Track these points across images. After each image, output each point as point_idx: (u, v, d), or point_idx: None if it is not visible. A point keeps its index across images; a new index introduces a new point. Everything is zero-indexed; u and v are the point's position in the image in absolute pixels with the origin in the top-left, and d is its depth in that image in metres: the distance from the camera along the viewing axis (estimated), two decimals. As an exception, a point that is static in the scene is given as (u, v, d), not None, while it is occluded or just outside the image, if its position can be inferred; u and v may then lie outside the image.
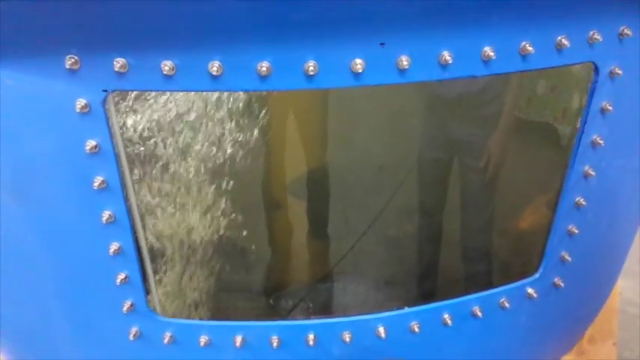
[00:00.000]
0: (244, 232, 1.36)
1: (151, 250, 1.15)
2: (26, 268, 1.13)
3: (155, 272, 1.15)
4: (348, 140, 1.53)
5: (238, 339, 1.11)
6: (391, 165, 1.54)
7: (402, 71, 0.88)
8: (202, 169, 1.24)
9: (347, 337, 1.13)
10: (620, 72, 1.01)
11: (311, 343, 1.12)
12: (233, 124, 1.24)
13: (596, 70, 1.01)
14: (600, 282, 1.46)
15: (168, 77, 0.87)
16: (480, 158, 1.42)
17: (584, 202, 1.15)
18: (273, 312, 1.42)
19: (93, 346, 1.21)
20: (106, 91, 0.89)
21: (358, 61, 0.86)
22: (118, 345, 1.16)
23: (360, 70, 0.86)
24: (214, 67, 0.85)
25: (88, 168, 0.95)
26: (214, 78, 0.87)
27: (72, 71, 0.87)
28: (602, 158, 1.13)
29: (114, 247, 1.03)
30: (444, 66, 0.89)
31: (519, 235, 1.43)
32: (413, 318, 1.15)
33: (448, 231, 1.49)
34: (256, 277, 1.46)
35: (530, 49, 0.91)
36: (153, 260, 1.15)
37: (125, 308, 1.09)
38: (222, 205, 1.29)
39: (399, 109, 1.45)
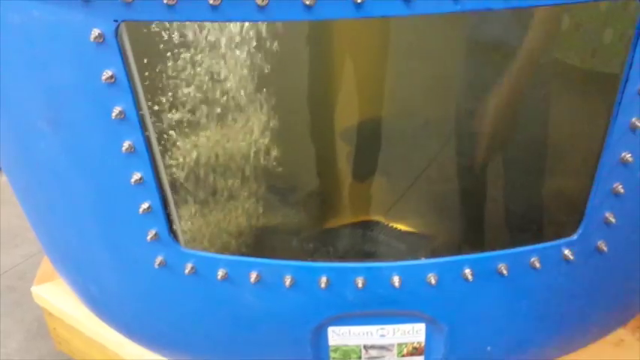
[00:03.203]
0: (278, 167, 1.35)
1: (173, 182, 1.19)
2: (65, 193, 1.21)
3: (177, 204, 1.19)
4: (396, 92, 1.48)
5: (253, 275, 1.13)
6: (436, 118, 1.47)
7: (407, 1, 0.82)
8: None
9: (360, 282, 1.11)
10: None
11: (323, 285, 1.12)
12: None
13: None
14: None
15: (170, 7, 0.87)
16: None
17: (630, 159, 1.03)
18: (294, 252, 1.43)
19: (127, 273, 1.29)
20: (116, 21, 0.91)
21: (357, -9, 0.81)
22: (147, 273, 1.22)
23: (361, 0, 0.81)
24: (213, -4, 0.83)
25: (107, 98, 0.99)
26: (215, 8, 0.85)
27: (85, 1, 0.90)
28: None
29: (135, 176, 1.07)
30: (457, -4, 0.82)
31: (560, 193, 1.31)
32: (430, 270, 1.10)
33: (488, 185, 1.40)
34: (283, 216, 1.47)
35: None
36: (175, 192, 1.19)
37: (149, 237, 1.15)
38: (255, 136, 1.29)
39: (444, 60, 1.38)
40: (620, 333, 1.44)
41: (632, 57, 0.93)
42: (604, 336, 1.41)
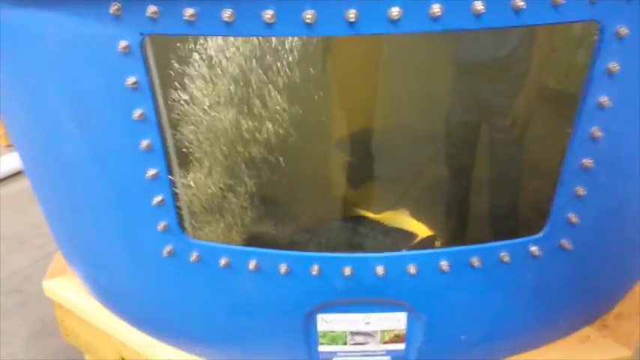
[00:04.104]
0: (281, 164, 1.48)
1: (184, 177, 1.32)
2: (87, 188, 1.34)
3: (187, 196, 1.32)
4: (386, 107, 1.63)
5: (252, 263, 1.26)
6: (422, 130, 1.61)
7: (393, 22, 0.96)
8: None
9: (347, 271, 1.24)
10: (626, 32, 1.02)
11: (314, 273, 1.24)
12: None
13: (601, 29, 1.02)
14: (624, 254, 1.45)
15: (190, 23, 1.01)
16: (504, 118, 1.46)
17: (591, 164, 1.17)
18: (290, 243, 1.56)
19: (138, 262, 1.41)
20: (142, 34, 1.05)
21: (352, 11, 0.96)
22: (156, 261, 1.34)
23: (354, 20, 0.96)
24: (227, 13, 0.98)
25: (129, 101, 1.13)
26: (228, 24, 1.00)
27: (116, 16, 1.04)
28: (613, 121, 1.13)
29: (151, 172, 1.21)
30: (435, 19, 0.96)
31: (529, 194, 1.45)
32: (410, 260, 1.23)
33: (466, 187, 1.55)
34: (280, 209, 1.61)
35: (521, 3, 0.95)
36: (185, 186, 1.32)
37: (160, 227, 1.28)
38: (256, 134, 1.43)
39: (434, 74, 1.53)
40: (587, 330, 1.56)
41: (591, 73, 1.08)
42: (572, 332, 1.53)
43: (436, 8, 0.95)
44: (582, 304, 1.49)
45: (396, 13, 0.95)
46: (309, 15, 0.96)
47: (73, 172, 1.34)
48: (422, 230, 1.65)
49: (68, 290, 1.90)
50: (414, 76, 1.52)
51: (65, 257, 1.77)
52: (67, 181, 1.39)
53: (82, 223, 1.45)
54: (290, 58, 1.38)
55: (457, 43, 1.48)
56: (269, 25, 0.99)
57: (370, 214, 1.59)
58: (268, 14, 0.97)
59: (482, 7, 0.95)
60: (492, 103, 1.51)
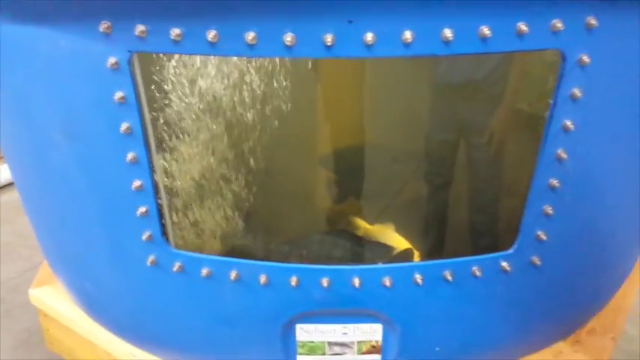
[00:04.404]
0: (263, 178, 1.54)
1: (168, 190, 1.37)
2: (73, 198, 1.38)
3: (171, 209, 1.36)
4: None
5: (233, 274, 1.30)
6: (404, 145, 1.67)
7: (368, 46, 1.02)
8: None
9: (325, 282, 1.28)
10: (588, 60, 1.08)
11: (293, 284, 1.29)
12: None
13: (564, 57, 1.08)
14: (594, 272, 1.50)
15: (176, 42, 1.06)
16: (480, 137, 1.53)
17: (557, 184, 1.22)
18: (270, 255, 1.60)
19: (122, 271, 1.45)
20: (130, 51, 1.10)
21: (329, 35, 1.01)
22: (140, 270, 1.38)
23: (330, 44, 1.02)
24: (211, 34, 1.03)
25: (117, 115, 1.17)
26: (212, 45, 1.05)
27: (105, 34, 1.09)
28: (578, 143, 1.19)
29: (136, 184, 1.25)
30: (406, 44, 1.02)
31: (502, 212, 1.51)
32: (385, 273, 1.28)
33: (441, 204, 1.60)
34: (258, 222, 1.66)
35: (487, 32, 1.01)
36: (169, 198, 1.36)
37: (144, 237, 1.32)
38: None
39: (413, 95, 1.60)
40: (560, 345, 1.61)
41: (556, 98, 1.14)
42: (545, 347, 1.58)
43: (407, 35, 1.01)
44: (554, 319, 1.54)
45: (370, 38, 1.01)
46: (288, 38, 1.02)
47: (60, 182, 1.38)
48: (404, 245, 1.71)
49: (53, 299, 1.93)
50: (394, 96, 1.59)
51: (51, 266, 1.80)
52: (55, 190, 1.43)
53: (69, 232, 1.48)
54: (274, 79, 1.43)
55: (436, 66, 1.54)
56: (251, 47, 1.04)
57: (365, 224, 1.64)
58: (250, 36, 1.02)
59: (450, 35, 1.01)
60: (469, 123, 1.57)
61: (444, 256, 1.31)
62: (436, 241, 1.73)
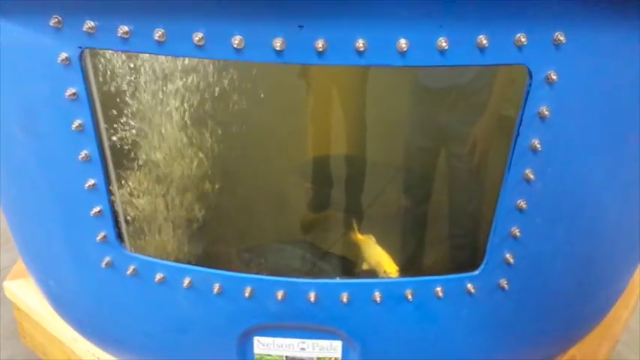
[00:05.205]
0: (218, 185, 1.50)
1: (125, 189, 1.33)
2: (34, 193, 1.36)
3: (126, 210, 1.33)
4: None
5: (186, 280, 1.26)
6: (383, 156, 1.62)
7: (319, 53, 0.97)
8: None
9: (280, 295, 1.24)
10: (556, 77, 1.02)
11: (247, 294, 1.24)
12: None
13: (530, 74, 1.02)
14: (571, 298, 1.43)
15: (124, 40, 1.03)
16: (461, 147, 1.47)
17: (525, 205, 1.16)
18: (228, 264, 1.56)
19: (81, 272, 1.42)
20: (80, 47, 1.07)
21: (278, 39, 0.97)
22: (96, 271, 1.35)
23: (279, 49, 0.97)
24: (158, 33, 1.00)
25: (69, 111, 1.14)
26: (160, 44, 1.02)
27: (56, 29, 1.06)
28: (548, 164, 1.13)
29: (89, 182, 1.22)
30: (360, 53, 0.97)
31: (468, 232, 1.44)
32: (343, 289, 1.23)
33: (407, 221, 1.54)
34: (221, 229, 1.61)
35: (444, 45, 0.96)
36: (124, 199, 1.33)
37: (99, 238, 1.29)
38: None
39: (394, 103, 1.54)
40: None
41: (522, 115, 1.07)
42: (518, 374, 1.50)
43: (360, 43, 0.95)
44: (526, 345, 1.47)
45: (322, 45, 0.96)
46: (236, 40, 0.97)
47: (23, 178, 1.36)
48: (384, 257, 1.65)
49: (26, 293, 1.92)
50: (372, 103, 1.53)
51: (22, 260, 1.78)
52: (19, 186, 1.40)
53: (33, 228, 1.46)
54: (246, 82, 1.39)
55: (416, 73, 1.48)
56: (199, 48, 1.00)
57: (361, 237, 1.60)
58: (198, 37, 0.98)
59: (405, 45, 0.95)
60: (450, 131, 1.51)
61: (420, 272, 1.25)
62: (414, 254, 1.67)
